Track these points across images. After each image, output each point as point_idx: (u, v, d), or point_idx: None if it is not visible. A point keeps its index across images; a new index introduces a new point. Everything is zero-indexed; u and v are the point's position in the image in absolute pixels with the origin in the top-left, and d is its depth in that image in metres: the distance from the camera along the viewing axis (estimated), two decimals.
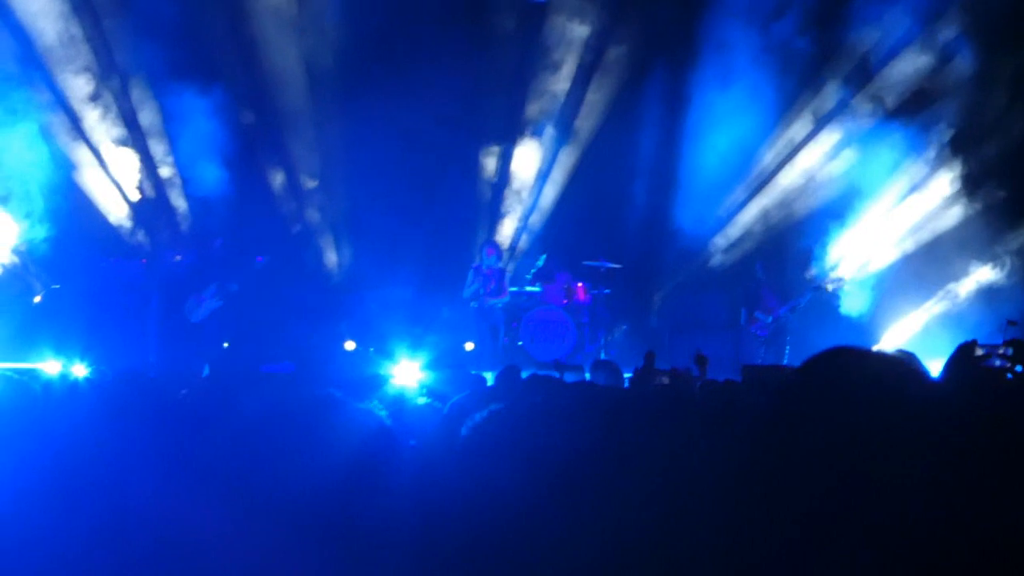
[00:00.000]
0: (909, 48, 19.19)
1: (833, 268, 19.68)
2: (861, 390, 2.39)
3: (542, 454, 3.90)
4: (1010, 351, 4.09)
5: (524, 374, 8.56)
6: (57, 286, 19.22)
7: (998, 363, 4.16)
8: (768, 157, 20.32)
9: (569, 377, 8.59)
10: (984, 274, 18.74)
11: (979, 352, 4.12)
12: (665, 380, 8.69)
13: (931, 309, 19.25)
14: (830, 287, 19.36)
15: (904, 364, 2.45)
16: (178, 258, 19.60)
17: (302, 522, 3.11)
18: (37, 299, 19.23)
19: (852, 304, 19.56)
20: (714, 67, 19.57)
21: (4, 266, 19.40)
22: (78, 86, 19.90)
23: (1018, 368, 4.28)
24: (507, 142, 21.14)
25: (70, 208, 19.65)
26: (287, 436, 3.32)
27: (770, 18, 19.35)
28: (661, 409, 6.01)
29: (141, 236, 20.56)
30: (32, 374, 11.50)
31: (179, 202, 20.67)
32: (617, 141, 20.74)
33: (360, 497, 3.23)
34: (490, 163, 21.27)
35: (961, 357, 4.21)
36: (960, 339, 7.52)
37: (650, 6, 20.24)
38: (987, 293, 18.17)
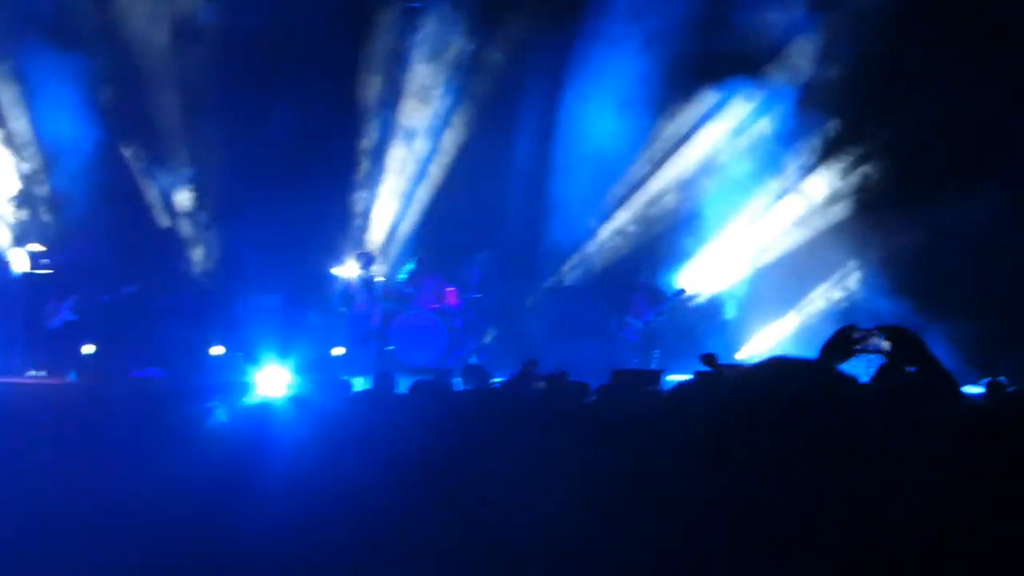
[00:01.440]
0: (778, 51, 19.50)
1: (700, 274, 19.75)
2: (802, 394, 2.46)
3: (418, 455, 3.92)
4: (885, 342, 4.19)
5: (402, 380, 8.62)
6: None
7: (873, 348, 4.27)
8: (640, 163, 20.46)
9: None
10: (843, 285, 19.14)
11: (856, 336, 4.21)
12: (542, 384, 8.79)
13: (793, 317, 19.41)
14: (687, 295, 19.55)
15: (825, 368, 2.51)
16: (44, 261, 18.99)
17: (174, 525, 3.09)
18: None
19: (719, 310, 19.96)
20: (586, 73, 19.77)
21: None
22: None
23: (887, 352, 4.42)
24: (379, 144, 21.05)
25: None
26: (154, 442, 3.31)
27: (639, 22, 19.51)
28: (539, 411, 6.08)
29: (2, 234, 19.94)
30: None
31: (42, 197, 20.26)
32: (490, 145, 20.78)
33: (230, 501, 3.22)
34: (362, 166, 21.21)
35: (838, 342, 4.30)
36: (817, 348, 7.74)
37: (523, 11, 20.26)
38: (846, 304, 18.62)
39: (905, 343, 4.14)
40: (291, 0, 20.26)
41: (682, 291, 19.46)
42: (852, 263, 19.33)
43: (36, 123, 20.09)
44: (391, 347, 19.17)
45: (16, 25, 19.51)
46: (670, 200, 20.60)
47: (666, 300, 19.26)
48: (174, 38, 20.07)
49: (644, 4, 19.55)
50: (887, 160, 19.14)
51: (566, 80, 20.08)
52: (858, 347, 4.15)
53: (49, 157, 20.22)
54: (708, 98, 20.05)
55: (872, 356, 4.14)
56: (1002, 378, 12.71)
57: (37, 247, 19.36)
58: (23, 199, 20.14)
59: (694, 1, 19.31)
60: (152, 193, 20.94)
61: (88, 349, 18.13)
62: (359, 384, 11.01)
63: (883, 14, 18.42)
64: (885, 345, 4.13)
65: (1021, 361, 15.94)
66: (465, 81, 20.95)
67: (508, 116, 20.94)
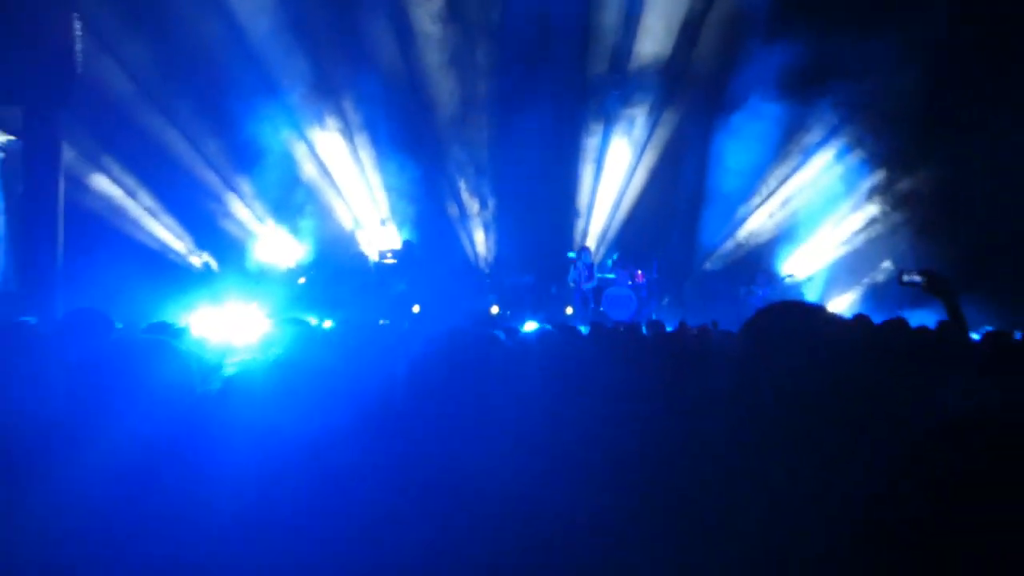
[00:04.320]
0: (868, 96, 21.27)
1: (800, 260, 22.48)
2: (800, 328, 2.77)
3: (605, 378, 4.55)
4: (919, 276, 4.75)
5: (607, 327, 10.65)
6: (313, 272, 22.08)
7: (909, 280, 4.80)
8: (770, 179, 23.05)
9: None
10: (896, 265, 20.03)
11: (903, 275, 4.87)
12: (695, 332, 10.26)
13: (858, 291, 21.78)
14: (794, 277, 22.02)
15: (827, 313, 2.90)
16: (388, 255, 22.32)
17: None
18: (302, 280, 22.06)
19: (809, 288, 22.05)
20: (733, 114, 22.20)
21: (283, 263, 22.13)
22: (325, 125, 22.30)
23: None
24: (599, 160, 23.55)
25: (322, 221, 22.88)
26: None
27: (772, 80, 21.41)
28: (689, 348, 7.85)
29: (367, 240, 23.23)
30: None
31: (384, 211, 23.01)
32: (665, 167, 23.39)
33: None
34: (587, 178, 23.74)
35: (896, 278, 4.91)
36: (881, 314, 10.19)
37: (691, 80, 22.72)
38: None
39: (935, 280, 4.61)
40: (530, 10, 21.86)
41: (790, 275, 22.03)
42: (898, 255, 20.61)
43: (376, 148, 22.51)
44: (601, 309, 21.26)
45: (351, 77, 21.90)
46: (786, 208, 22.80)
47: (780, 278, 21.99)
48: (454, 46, 22.10)
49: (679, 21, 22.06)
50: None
51: (719, 123, 22.25)
52: (903, 279, 4.73)
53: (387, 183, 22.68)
54: (815, 132, 21.87)
55: (910, 288, 4.82)
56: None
57: (383, 247, 22.63)
58: (365, 217, 22.83)
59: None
60: (453, 198, 23.38)
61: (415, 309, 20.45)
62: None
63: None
64: (918, 279, 4.70)
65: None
66: (651, 129, 23.21)
67: (676, 147, 23.28)
